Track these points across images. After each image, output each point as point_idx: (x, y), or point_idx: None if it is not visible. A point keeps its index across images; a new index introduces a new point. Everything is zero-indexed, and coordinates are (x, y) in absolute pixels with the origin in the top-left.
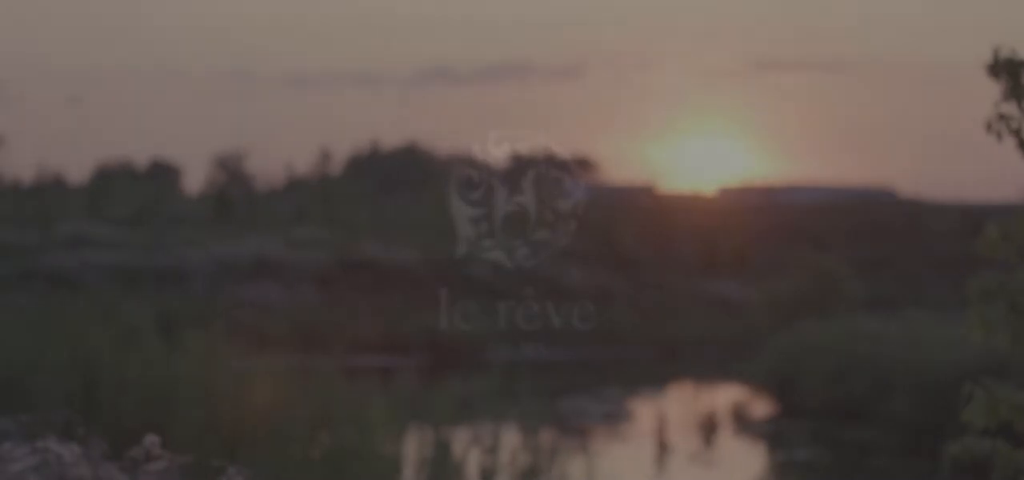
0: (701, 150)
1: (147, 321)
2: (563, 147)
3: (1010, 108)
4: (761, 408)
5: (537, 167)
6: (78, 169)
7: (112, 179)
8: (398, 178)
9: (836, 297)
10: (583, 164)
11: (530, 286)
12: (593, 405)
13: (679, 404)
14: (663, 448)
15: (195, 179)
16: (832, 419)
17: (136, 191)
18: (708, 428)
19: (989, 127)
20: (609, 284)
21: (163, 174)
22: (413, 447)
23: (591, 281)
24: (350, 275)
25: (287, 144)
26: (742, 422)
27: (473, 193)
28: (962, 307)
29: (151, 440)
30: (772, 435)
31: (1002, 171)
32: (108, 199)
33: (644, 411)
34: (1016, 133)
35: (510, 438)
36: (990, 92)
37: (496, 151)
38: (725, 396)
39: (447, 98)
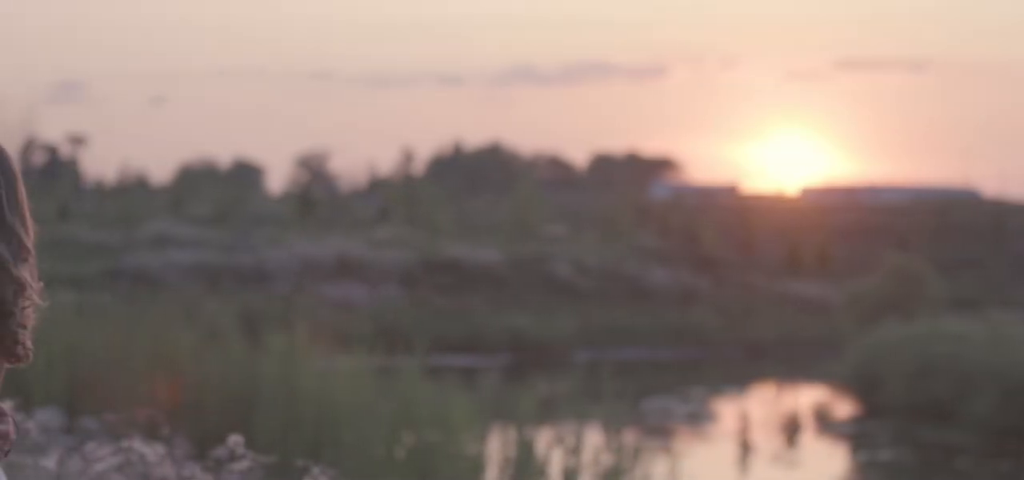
0: (784, 150)
1: (230, 320)
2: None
3: None
4: (844, 408)
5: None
6: (161, 169)
7: (195, 179)
8: (481, 177)
9: (919, 297)
10: (666, 164)
11: (614, 286)
12: (676, 405)
13: (762, 404)
14: (746, 448)
15: (278, 178)
16: (915, 420)
17: (219, 191)
18: (791, 428)
19: None
20: (692, 284)
21: (246, 174)
22: (496, 447)
23: (674, 281)
24: (433, 274)
25: (369, 144)
26: (825, 422)
27: (556, 193)
28: None
29: (235, 440)
30: (855, 436)
31: None
32: (191, 199)
33: (727, 411)
34: None
35: (593, 438)
36: None
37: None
38: (808, 396)
39: (530, 97)
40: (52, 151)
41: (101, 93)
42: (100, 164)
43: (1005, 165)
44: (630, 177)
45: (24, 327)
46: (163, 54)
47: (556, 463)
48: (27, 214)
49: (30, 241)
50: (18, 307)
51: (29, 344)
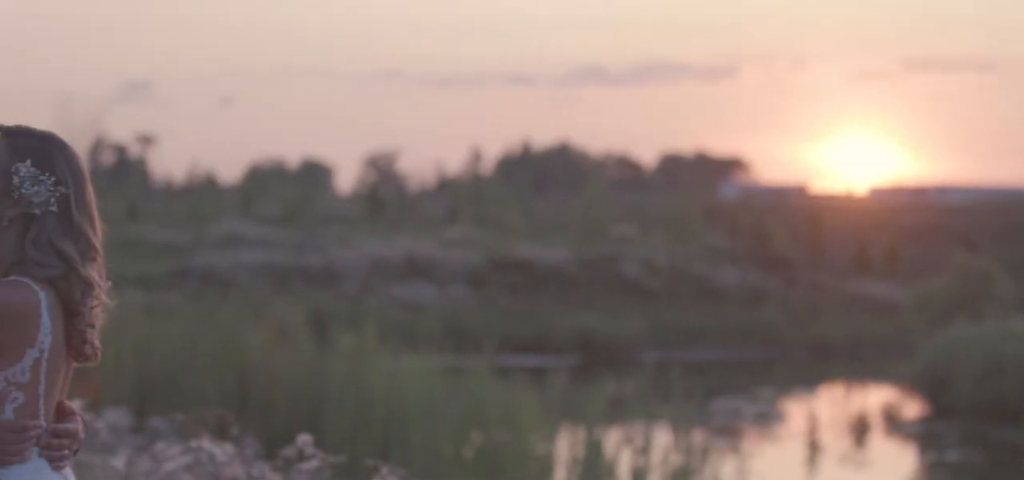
0: (853, 150)
1: (299, 320)
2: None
3: None
4: (912, 409)
5: (690, 167)
6: (230, 169)
7: (264, 178)
8: (550, 177)
9: (987, 297)
10: (736, 164)
11: (683, 286)
12: (745, 405)
13: (830, 404)
14: (814, 449)
15: (347, 178)
16: (983, 420)
17: (288, 190)
18: (859, 429)
19: None
20: (761, 284)
21: (315, 173)
22: (565, 447)
23: (743, 281)
24: (502, 274)
25: (438, 143)
26: (893, 423)
27: (625, 193)
28: None
29: (304, 439)
30: (923, 436)
31: None
32: (260, 198)
33: (796, 411)
34: None
35: (662, 438)
36: None
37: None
38: (876, 397)
39: (599, 97)
40: (121, 151)
41: (170, 93)
42: (169, 164)
43: None
44: (699, 177)
45: (92, 326)
46: (232, 54)
47: (625, 463)
48: (95, 214)
49: (98, 241)
50: (86, 306)
51: (97, 343)
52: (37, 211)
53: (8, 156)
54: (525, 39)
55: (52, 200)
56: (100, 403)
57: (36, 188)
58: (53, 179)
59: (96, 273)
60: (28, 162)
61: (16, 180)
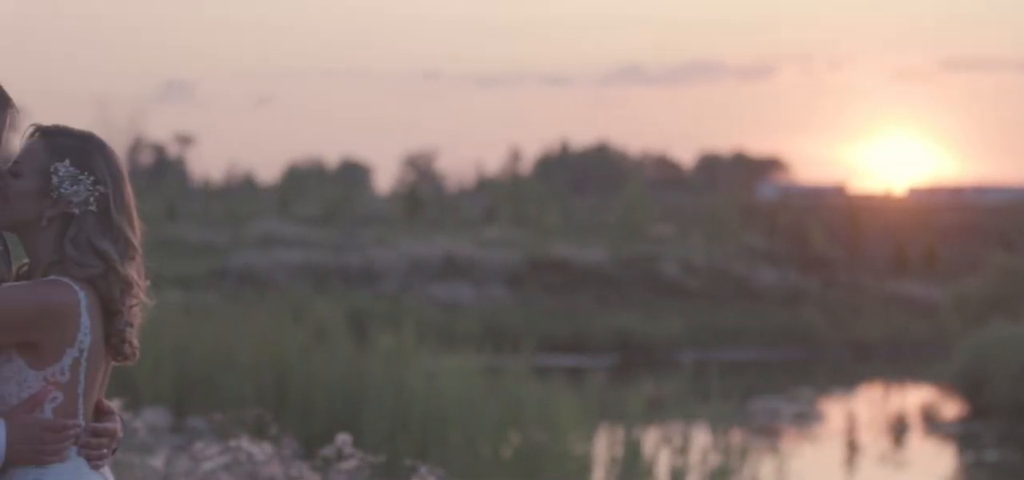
0: (891, 150)
1: (337, 320)
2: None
3: None
4: (950, 409)
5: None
6: (268, 169)
7: (302, 178)
8: (588, 177)
9: None
10: (774, 164)
11: (721, 286)
12: (784, 405)
13: (869, 404)
14: (853, 449)
15: (385, 178)
16: (1021, 420)
17: (326, 190)
18: (898, 429)
19: None
20: (799, 284)
21: (353, 173)
22: (603, 446)
23: (782, 281)
24: (540, 274)
25: (477, 143)
26: (931, 423)
27: (663, 193)
28: None
29: (343, 439)
30: (961, 436)
31: None
32: (298, 198)
33: (834, 411)
34: None
35: (700, 438)
36: None
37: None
38: (915, 397)
39: (638, 97)
40: (159, 151)
41: (208, 93)
42: (207, 164)
43: None
44: (737, 177)
45: (131, 325)
46: (270, 54)
47: (663, 463)
48: (134, 213)
49: (137, 240)
50: (125, 306)
51: (136, 343)
52: (76, 211)
53: (46, 156)
54: (564, 39)
55: (91, 199)
56: (139, 402)
57: (75, 188)
58: (92, 178)
59: (135, 272)
60: (67, 162)
61: (55, 180)
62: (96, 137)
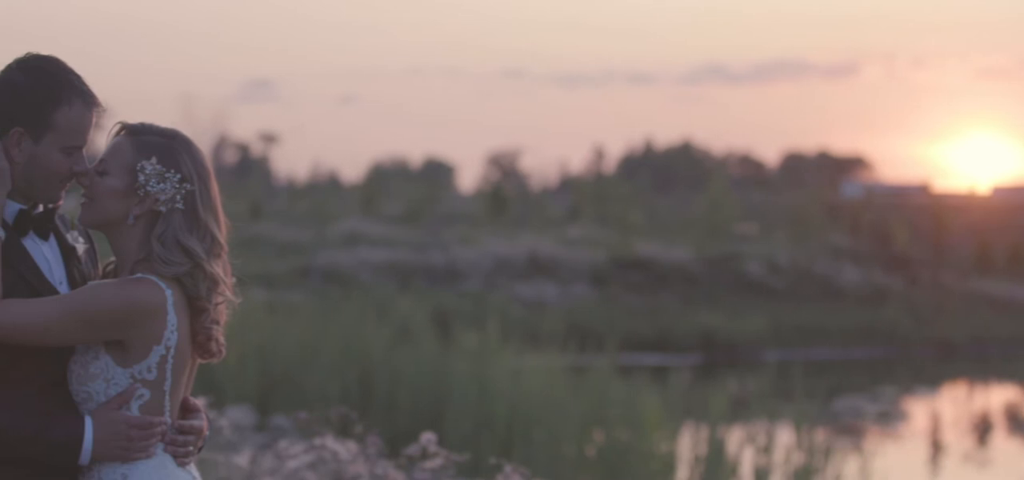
0: (975, 148)
1: (421, 318)
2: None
3: None
4: None
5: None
6: (352, 167)
7: (386, 177)
8: (672, 176)
9: None
10: (858, 162)
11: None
12: (867, 404)
13: (953, 404)
14: (937, 448)
15: (469, 177)
16: None
17: (410, 189)
18: (982, 428)
19: None
20: (883, 283)
21: (437, 172)
22: (687, 445)
23: (865, 280)
24: (624, 273)
25: (561, 142)
26: (1016, 422)
27: (747, 191)
28: None
29: (427, 438)
30: None
31: None
32: (382, 197)
33: (918, 411)
34: None
35: (784, 437)
36: None
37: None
38: (999, 396)
39: (721, 95)
40: (244, 150)
41: (293, 91)
42: (291, 162)
43: None
44: (821, 176)
45: (218, 323)
46: (354, 52)
47: (747, 462)
48: (220, 210)
49: (223, 237)
50: (211, 303)
51: (222, 340)
52: (163, 208)
53: (133, 154)
54: (647, 37)
55: (177, 197)
56: (223, 401)
57: (161, 185)
58: (178, 176)
59: (221, 269)
60: (153, 159)
61: (141, 177)
62: (182, 134)
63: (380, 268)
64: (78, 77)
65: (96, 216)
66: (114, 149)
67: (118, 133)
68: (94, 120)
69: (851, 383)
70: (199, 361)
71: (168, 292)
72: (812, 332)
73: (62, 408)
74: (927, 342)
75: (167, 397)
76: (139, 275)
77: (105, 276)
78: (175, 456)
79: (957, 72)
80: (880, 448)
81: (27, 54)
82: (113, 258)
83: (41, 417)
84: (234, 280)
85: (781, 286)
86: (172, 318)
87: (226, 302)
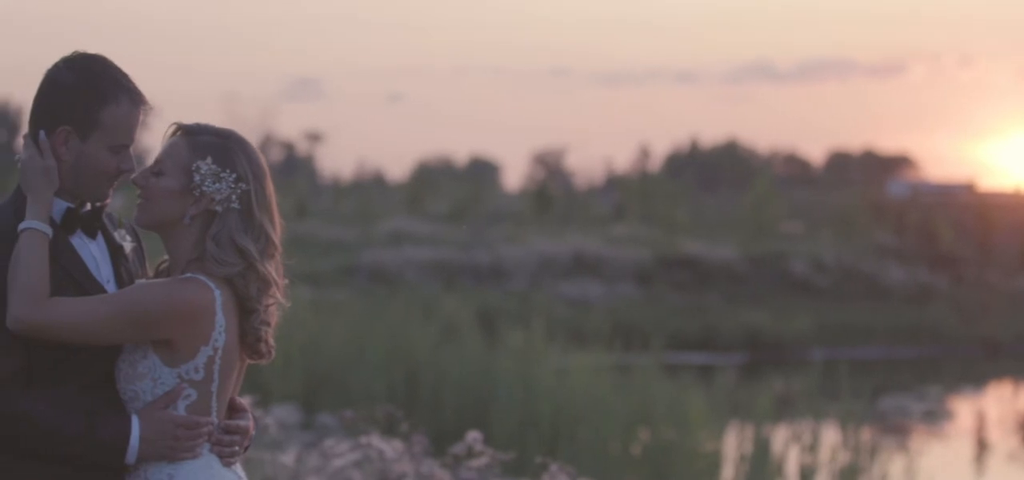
0: (1021, 147)
1: (467, 317)
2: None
3: None
4: None
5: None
6: (398, 166)
7: (432, 176)
8: (717, 174)
9: None
10: (904, 161)
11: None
12: (913, 403)
13: (999, 402)
14: (982, 447)
15: (514, 175)
16: None
17: (456, 188)
18: None
19: None
20: (929, 282)
21: (483, 170)
22: (733, 444)
23: (911, 279)
24: (669, 272)
25: (606, 140)
26: None
27: (793, 190)
28: None
29: (473, 436)
30: None
31: None
32: (428, 195)
33: (964, 409)
34: None
35: (830, 436)
36: None
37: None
38: None
39: (767, 94)
40: (289, 148)
41: (338, 90)
42: (337, 161)
43: None
44: (867, 174)
45: (268, 324)
46: (400, 51)
47: (792, 461)
48: (275, 211)
49: (277, 238)
50: (262, 304)
51: (272, 342)
52: (218, 208)
53: (189, 154)
54: (692, 36)
55: (233, 197)
56: (269, 399)
57: (217, 185)
58: (234, 176)
59: (274, 270)
60: (208, 159)
61: (197, 178)
62: (238, 134)
63: (425, 267)
64: (125, 75)
65: (152, 216)
66: (170, 149)
67: (174, 133)
68: (141, 118)
69: (897, 382)
70: (248, 362)
71: (217, 292)
72: (857, 331)
73: (108, 406)
74: (972, 341)
75: (214, 398)
76: (189, 275)
77: (157, 275)
78: (221, 456)
79: (1003, 71)
80: (925, 447)
81: (73, 53)
82: (166, 257)
83: (88, 416)
84: (286, 281)
85: (826, 285)
86: (220, 319)
87: (277, 304)
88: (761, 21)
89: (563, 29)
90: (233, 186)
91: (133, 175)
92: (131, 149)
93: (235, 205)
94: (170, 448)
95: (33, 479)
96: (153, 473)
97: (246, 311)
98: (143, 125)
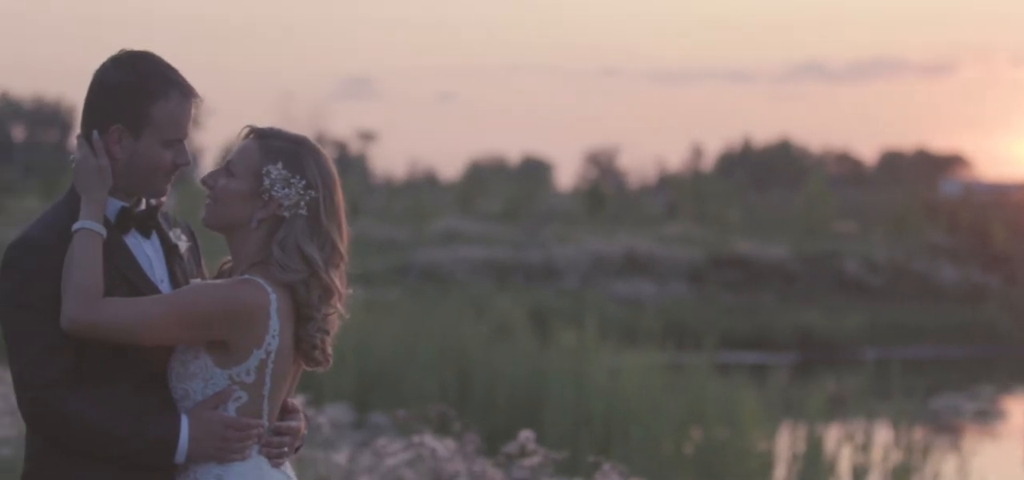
0: None
1: (519, 316)
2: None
3: None
4: None
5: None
6: (450, 165)
7: (484, 175)
8: (770, 174)
9: None
10: (956, 160)
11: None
12: (966, 403)
13: None
14: None
15: (567, 174)
16: None
17: (508, 187)
18: None
19: None
20: (982, 281)
21: (535, 170)
22: (785, 444)
23: (964, 278)
24: (721, 271)
25: (658, 140)
26: None
27: (845, 189)
28: None
29: (525, 435)
30: None
31: None
32: (480, 195)
33: (1016, 409)
34: None
35: (882, 435)
36: None
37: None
38: None
39: (819, 94)
40: (341, 147)
41: (390, 89)
42: (389, 160)
43: None
44: (919, 173)
45: (326, 332)
46: (452, 50)
47: (845, 460)
48: (343, 220)
49: (344, 246)
50: (320, 312)
51: (330, 350)
52: (286, 213)
53: (260, 157)
54: (745, 36)
55: (301, 203)
56: (322, 399)
57: (286, 190)
58: (303, 182)
59: (338, 279)
60: (279, 164)
61: (267, 181)
62: (309, 141)
63: (478, 266)
64: (174, 70)
65: (220, 217)
66: (241, 152)
67: (246, 136)
68: (192, 111)
69: (949, 382)
70: (305, 368)
71: (272, 296)
72: (910, 330)
73: (158, 405)
74: None
75: (265, 401)
76: (246, 276)
77: (220, 276)
78: (269, 457)
79: None
80: (978, 447)
81: (121, 51)
82: (229, 258)
83: (138, 414)
84: (350, 290)
85: (879, 284)
86: (274, 323)
87: (337, 313)
88: (813, 20)
89: (616, 28)
90: (302, 192)
91: (202, 177)
92: (185, 143)
93: (303, 212)
94: (219, 449)
95: (83, 478)
96: (202, 474)
97: (303, 318)
98: (195, 119)
